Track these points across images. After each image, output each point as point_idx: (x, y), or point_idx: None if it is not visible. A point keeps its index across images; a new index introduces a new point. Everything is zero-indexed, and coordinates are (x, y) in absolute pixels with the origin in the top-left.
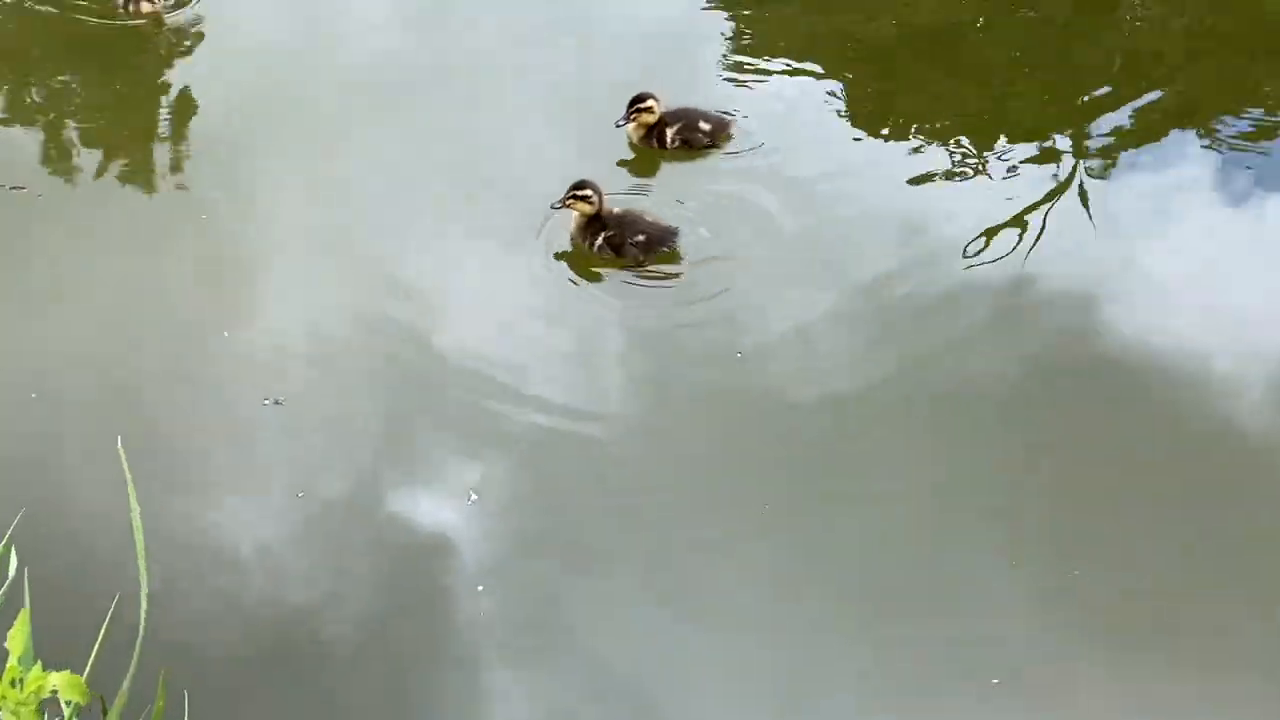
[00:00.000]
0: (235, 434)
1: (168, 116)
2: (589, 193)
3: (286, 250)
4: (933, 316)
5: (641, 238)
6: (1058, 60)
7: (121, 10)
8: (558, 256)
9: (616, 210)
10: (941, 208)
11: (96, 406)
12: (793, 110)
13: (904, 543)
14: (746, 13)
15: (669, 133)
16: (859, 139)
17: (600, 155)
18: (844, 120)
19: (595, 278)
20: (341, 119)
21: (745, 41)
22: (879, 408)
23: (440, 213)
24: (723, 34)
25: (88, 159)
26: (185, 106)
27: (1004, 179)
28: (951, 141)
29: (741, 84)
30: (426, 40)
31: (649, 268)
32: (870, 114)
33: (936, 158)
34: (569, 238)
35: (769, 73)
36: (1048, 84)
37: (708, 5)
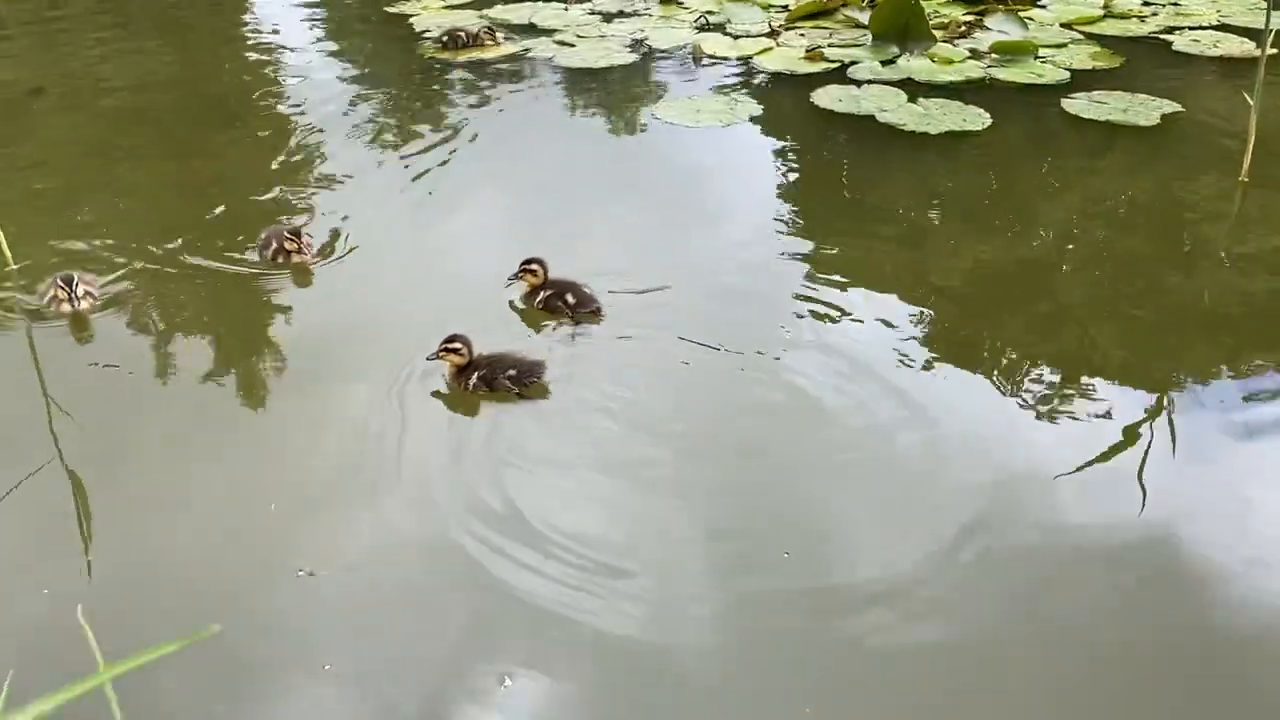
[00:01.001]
0: (266, 602)
1: (282, 341)
2: (458, 345)
3: (350, 457)
4: (1012, 561)
5: (513, 372)
6: (1147, 297)
7: (271, 262)
8: (434, 394)
9: (485, 354)
10: (1025, 446)
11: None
12: (869, 341)
13: None
14: (826, 247)
15: (541, 294)
16: (938, 371)
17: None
18: (922, 352)
19: (655, 473)
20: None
21: (821, 274)
22: (956, 652)
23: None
24: (800, 265)
25: (191, 362)
26: (301, 333)
27: (1094, 419)
28: (1037, 379)
29: (817, 312)
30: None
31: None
32: (950, 346)
33: (1021, 395)
34: (444, 382)
35: (848, 297)
36: (1138, 320)
37: (784, 231)
